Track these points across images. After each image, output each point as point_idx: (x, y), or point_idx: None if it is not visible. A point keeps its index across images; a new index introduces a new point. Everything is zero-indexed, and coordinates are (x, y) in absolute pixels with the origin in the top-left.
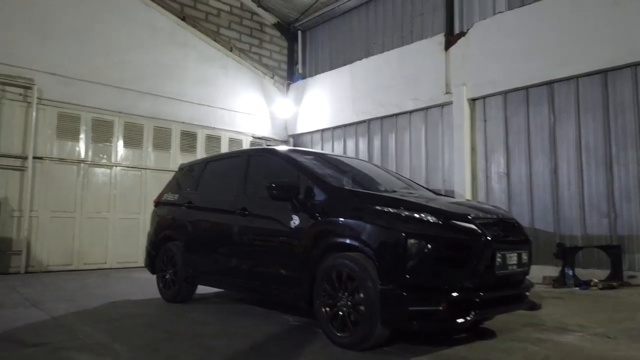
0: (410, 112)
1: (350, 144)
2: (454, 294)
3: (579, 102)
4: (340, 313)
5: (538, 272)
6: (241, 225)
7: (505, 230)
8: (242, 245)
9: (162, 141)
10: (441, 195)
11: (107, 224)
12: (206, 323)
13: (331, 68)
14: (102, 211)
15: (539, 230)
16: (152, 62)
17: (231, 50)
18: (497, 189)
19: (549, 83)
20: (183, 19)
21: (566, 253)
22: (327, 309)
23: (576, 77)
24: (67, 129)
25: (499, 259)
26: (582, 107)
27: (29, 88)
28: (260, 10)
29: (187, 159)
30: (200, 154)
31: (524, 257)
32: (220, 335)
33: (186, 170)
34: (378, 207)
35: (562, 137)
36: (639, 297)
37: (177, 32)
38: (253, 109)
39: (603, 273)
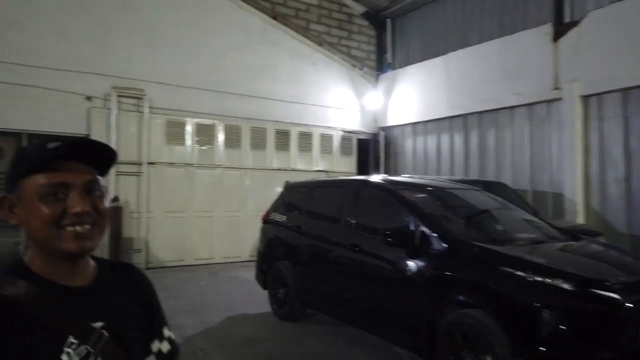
0: (512, 107)
1: (445, 139)
2: None
3: None
4: None
5: None
6: (352, 261)
7: None
8: (354, 281)
9: (258, 141)
10: (572, 231)
11: (213, 221)
12: (323, 356)
13: (423, 58)
14: (207, 210)
15: None
16: (246, 64)
17: (321, 45)
18: (614, 195)
19: None
20: (274, 17)
21: None
22: None
23: None
24: (175, 134)
25: None
26: None
27: (141, 98)
28: (348, 1)
29: (282, 157)
30: (294, 151)
31: None
32: None
33: (292, 191)
34: (507, 269)
35: None
36: None
37: (269, 31)
38: (343, 102)
39: None
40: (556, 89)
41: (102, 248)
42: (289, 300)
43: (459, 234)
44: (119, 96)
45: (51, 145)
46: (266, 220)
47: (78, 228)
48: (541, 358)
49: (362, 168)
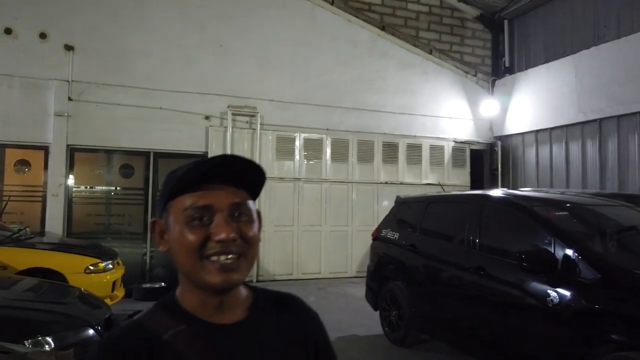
0: None
1: (574, 147)
2: None
3: None
4: None
5: None
6: (477, 285)
7: None
8: (478, 308)
9: (365, 154)
10: None
11: (320, 236)
12: None
13: (546, 60)
14: (315, 224)
15: None
16: (354, 77)
17: (430, 53)
18: None
19: None
20: (383, 28)
21: None
22: None
23: None
24: (284, 149)
25: None
26: None
27: (253, 116)
28: (461, 5)
29: (389, 170)
30: (402, 164)
31: None
32: None
33: (405, 207)
34: None
35: None
36: None
37: (377, 42)
38: (454, 111)
39: None
40: None
41: None
42: (402, 324)
43: (614, 259)
44: (234, 114)
45: (198, 163)
46: (376, 237)
47: (222, 258)
48: None
49: (477, 181)
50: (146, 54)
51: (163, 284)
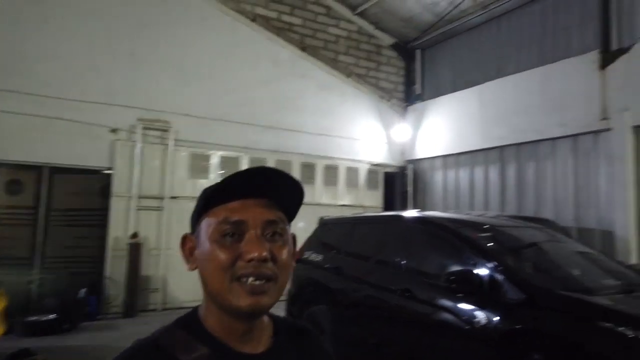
0: (554, 139)
1: (479, 172)
2: None
3: None
4: None
5: None
6: (403, 308)
7: None
8: (405, 332)
9: None
10: None
11: None
12: None
13: (454, 89)
14: None
15: None
16: (274, 96)
17: (349, 77)
18: None
19: None
20: (303, 49)
21: None
22: None
23: None
24: (198, 167)
25: None
26: None
27: (167, 131)
28: (377, 32)
29: (306, 191)
30: (319, 184)
31: None
32: None
33: (330, 228)
34: (607, 325)
35: None
36: None
37: (297, 63)
38: (370, 134)
39: None
40: (604, 119)
41: (118, 287)
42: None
43: (538, 280)
44: (145, 128)
45: (235, 174)
46: (298, 259)
47: (251, 280)
48: None
49: (389, 203)
50: (47, 58)
51: (54, 315)
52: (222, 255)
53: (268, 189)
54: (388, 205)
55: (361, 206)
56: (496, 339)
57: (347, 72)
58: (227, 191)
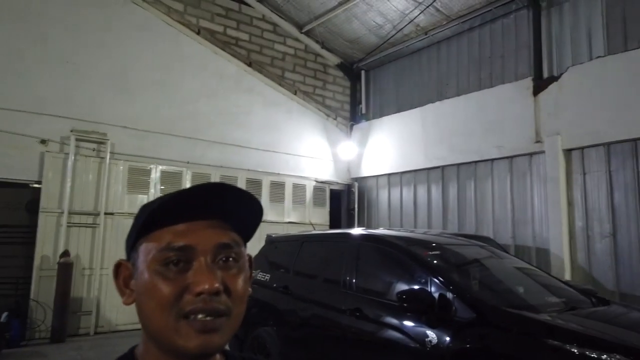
0: (493, 160)
1: (422, 191)
2: None
3: None
4: None
5: None
6: (356, 329)
7: None
8: (356, 352)
9: None
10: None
11: None
12: None
13: (398, 109)
14: None
15: None
16: (220, 111)
17: (295, 94)
18: (599, 250)
19: None
20: (250, 64)
21: None
22: None
23: None
24: (138, 182)
25: None
26: None
27: (103, 143)
28: (324, 52)
29: None
30: (265, 201)
31: None
32: None
33: (277, 246)
34: (554, 342)
35: None
36: None
37: (244, 78)
38: (316, 152)
39: None
40: (538, 142)
41: (45, 310)
42: None
43: (487, 298)
44: (78, 140)
45: (180, 191)
46: None
47: (200, 317)
48: None
49: (335, 220)
50: None
51: None
52: (165, 289)
53: (221, 208)
54: (334, 223)
55: (307, 223)
56: (447, 356)
57: (294, 89)
58: (172, 211)
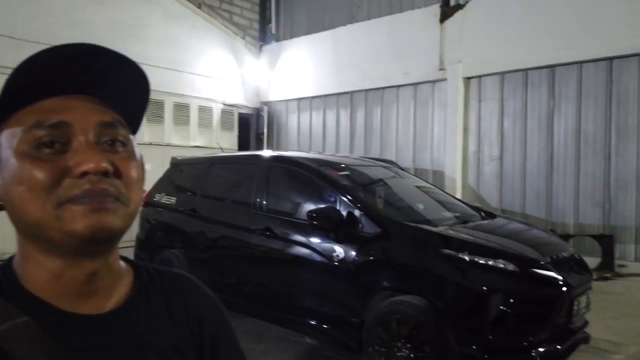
0: (399, 86)
1: (331, 115)
2: (534, 352)
3: (581, 88)
4: None
5: None
6: (266, 248)
7: (573, 268)
8: (267, 270)
9: None
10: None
11: None
12: None
13: (309, 31)
14: None
15: (531, 217)
16: (112, 21)
17: (199, 7)
18: (488, 172)
19: (551, 67)
20: None
21: None
22: (383, 358)
23: (580, 63)
24: None
25: (575, 307)
26: (584, 94)
27: None
28: None
29: (154, 130)
30: (168, 124)
31: (590, 295)
32: None
33: (183, 169)
34: (448, 252)
35: (561, 123)
36: (637, 292)
37: None
38: (223, 73)
39: (592, 261)
40: (441, 69)
41: None
42: None
43: (393, 215)
44: None
45: (41, 53)
46: (148, 202)
47: (87, 200)
48: (488, 348)
49: (244, 144)
50: None
51: None
52: (39, 171)
53: (97, 80)
54: (243, 147)
55: (215, 147)
56: (352, 271)
57: (198, 2)
58: (35, 82)
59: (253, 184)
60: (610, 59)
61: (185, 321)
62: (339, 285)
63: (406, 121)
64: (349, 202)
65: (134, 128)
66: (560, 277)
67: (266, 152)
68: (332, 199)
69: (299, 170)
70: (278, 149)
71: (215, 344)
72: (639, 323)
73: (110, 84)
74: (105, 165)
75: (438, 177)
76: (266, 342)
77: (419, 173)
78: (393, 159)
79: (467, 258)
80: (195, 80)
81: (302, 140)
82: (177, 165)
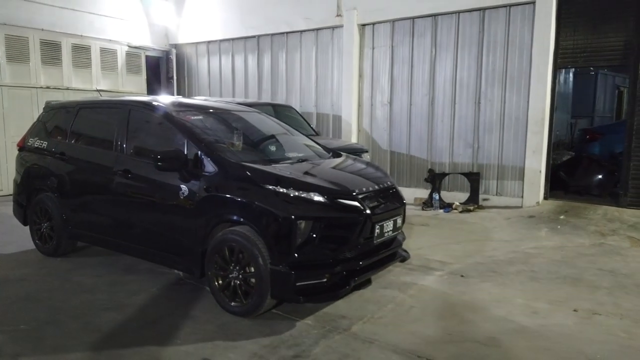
0: (302, 32)
1: (239, 60)
2: (337, 268)
3: (458, 37)
4: (232, 284)
5: (411, 194)
6: (125, 187)
7: (385, 198)
8: (127, 209)
9: (17, 53)
10: (343, 150)
11: None
12: (94, 290)
13: None
14: None
15: (415, 157)
16: None
17: None
18: (379, 116)
19: (434, 15)
20: None
21: (435, 178)
22: (220, 280)
23: (458, 12)
24: None
25: (377, 230)
26: (461, 43)
27: None
28: None
29: (51, 72)
30: (67, 67)
31: (399, 221)
32: (111, 308)
33: (54, 113)
34: (268, 187)
35: (441, 70)
36: (489, 222)
37: None
38: (128, 13)
39: (464, 196)
40: (339, 16)
41: None
42: (55, 235)
43: (231, 156)
44: None
45: None
46: (23, 146)
47: None
48: (295, 265)
49: (153, 89)
50: None
51: None
52: None
53: None
54: (152, 91)
55: (121, 92)
56: (195, 206)
57: None
58: None
59: (115, 127)
60: (483, 9)
61: None
62: (186, 220)
63: (308, 67)
64: (194, 145)
65: None
66: (360, 206)
67: (130, 97)
68: (181, 142)
69: (154, 114)
70: (189, 93)
71: None
72: (472, 246)
73: None
74: None
75: (337, 121)
76: (135, 273)
77: (320, 118)
78: (297, 103)
79: (282, 191)
80: (95, 21)
81: (212, 84)
82: (49, 109)
